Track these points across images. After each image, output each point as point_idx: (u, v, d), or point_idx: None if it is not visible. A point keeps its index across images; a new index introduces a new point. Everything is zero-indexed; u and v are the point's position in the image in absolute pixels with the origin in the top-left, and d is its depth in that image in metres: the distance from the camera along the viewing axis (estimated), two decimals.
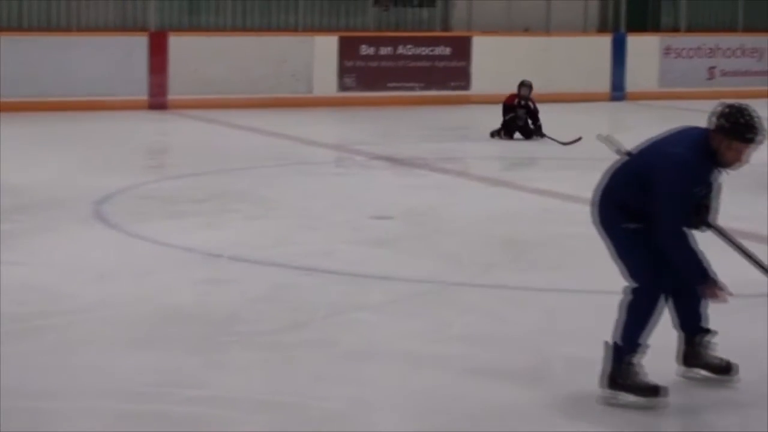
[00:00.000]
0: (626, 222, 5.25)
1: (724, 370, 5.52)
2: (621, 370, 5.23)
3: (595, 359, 5.35)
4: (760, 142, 5.21)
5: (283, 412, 5.21)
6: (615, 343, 5.27)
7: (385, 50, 18.94)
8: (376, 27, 19.87)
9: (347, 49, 18.69)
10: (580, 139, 13.86)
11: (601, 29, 21.51)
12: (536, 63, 18.49)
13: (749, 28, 21.62)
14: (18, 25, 17.93)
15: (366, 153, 13.57)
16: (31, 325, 6.44)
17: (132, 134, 15.21)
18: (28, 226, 9.10)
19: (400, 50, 19.04)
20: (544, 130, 14.65)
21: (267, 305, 6.94)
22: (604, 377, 5.29)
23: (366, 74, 18.76)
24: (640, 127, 12.58)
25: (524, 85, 14.90)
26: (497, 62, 19.09)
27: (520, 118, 14.71)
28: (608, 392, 5.27)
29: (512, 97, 14.88)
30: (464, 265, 8.09)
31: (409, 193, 10.92)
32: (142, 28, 18.17)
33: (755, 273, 5.55)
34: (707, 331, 5.52)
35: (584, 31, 21.30)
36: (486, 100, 18.26)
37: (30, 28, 17.92)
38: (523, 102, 14.79)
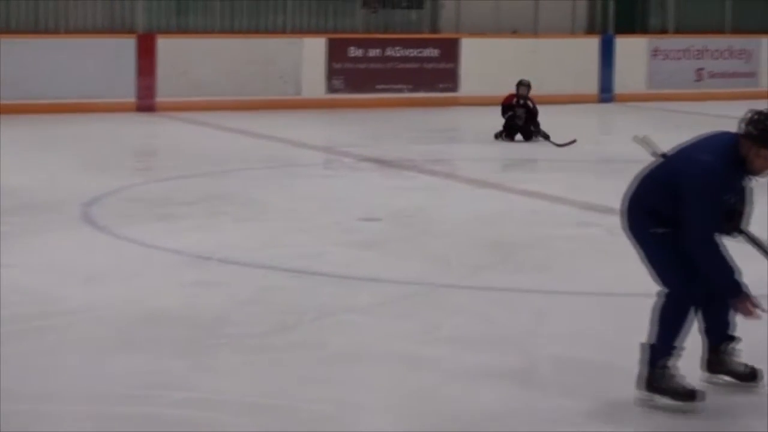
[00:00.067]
0: (654, 227, 5.18)
1: (749, 377, 5.44)
2: (656, 374, 5.19)
3: (583, 360, 5.35)
4: None
5: (272, 414, 5.21)
6: (650, 345, 5.23)
7: (373, 52, 18.95)
8: (364, 29, 19.85)
9: (335, 51, 18.69)
10: (575, 141, 13.92)
11: (589, 31, 21.53)
12: (524, 65, 18.47)
13: (737, 30, 21.64)
14: (5, 27, 17.83)
15: (354, 155, 13.57)
16: (17, 327, 6.40)
17: (120, 136, 15.17)
18: (15, 228, 9.05)
19: (389, 52, 19.03)
20: None
21: (256, 307, 6.93)
22: (641, 379, 5.24)
23: (354, 76, 18.76)
24: (629, 128, 12.58)
25: (523, 84, 14.92)
26: (485, 64, 19.11)
27: (519, 117, 14.71)
28: (645, 394, 5.23)
29: (511, 96, 14.90)
30: (453, 267, 8.10)
31: (398, 195, 10.91)
32: (130, 30, 18.12)
33: None
34: (732, 338, 5.44)
35: (572, 32, 21.31)
36: (474, 102, 18.32)
37: (17, 30, 17.81)
38: (522, 101, 14.80)
